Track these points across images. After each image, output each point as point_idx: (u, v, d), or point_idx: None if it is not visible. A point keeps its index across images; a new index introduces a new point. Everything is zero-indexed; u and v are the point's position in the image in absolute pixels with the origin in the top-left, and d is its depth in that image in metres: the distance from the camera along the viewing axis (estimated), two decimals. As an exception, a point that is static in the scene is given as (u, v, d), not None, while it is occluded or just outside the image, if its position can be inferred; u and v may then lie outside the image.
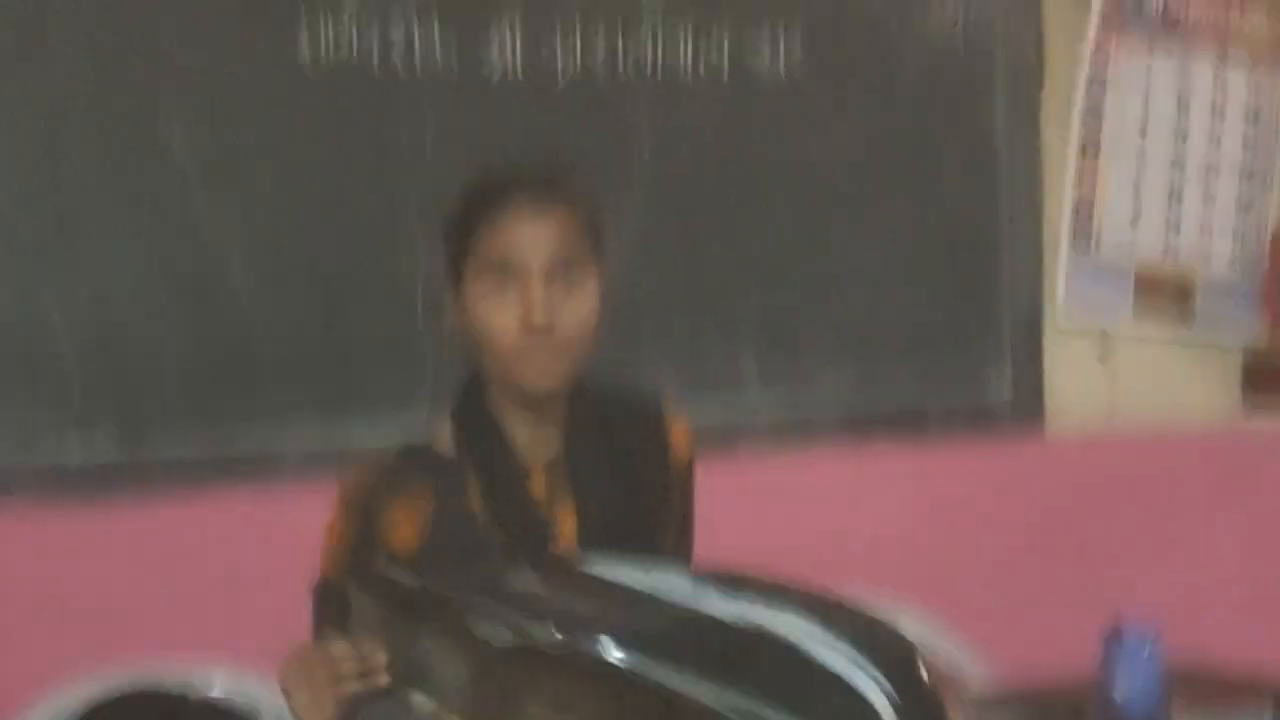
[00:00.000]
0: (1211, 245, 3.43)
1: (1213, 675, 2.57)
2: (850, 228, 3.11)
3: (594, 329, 1.73)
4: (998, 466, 3.22)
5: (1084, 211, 3.32)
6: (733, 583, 1.45)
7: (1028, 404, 3.26)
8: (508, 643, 1.39)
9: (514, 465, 1.73)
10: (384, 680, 1.57)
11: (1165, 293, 3.40)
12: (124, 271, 2.61)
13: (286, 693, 1.63)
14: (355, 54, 2.74)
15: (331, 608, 1.70)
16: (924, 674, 1.36)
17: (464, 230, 1.72)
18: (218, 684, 2.62)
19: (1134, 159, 3.36)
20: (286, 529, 2.71)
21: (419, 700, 1.53)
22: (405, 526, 1.70)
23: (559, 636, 1.35)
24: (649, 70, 2.93)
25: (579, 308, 1.71)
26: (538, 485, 1.75)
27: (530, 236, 1.69)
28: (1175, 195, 3.40)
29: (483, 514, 1.71)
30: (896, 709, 1.33)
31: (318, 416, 2.73)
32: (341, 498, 1.74)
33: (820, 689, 1.32)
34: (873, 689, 1.33)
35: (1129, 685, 2.49)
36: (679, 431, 1.85)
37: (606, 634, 1.33)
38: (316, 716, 1.59)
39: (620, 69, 2.92)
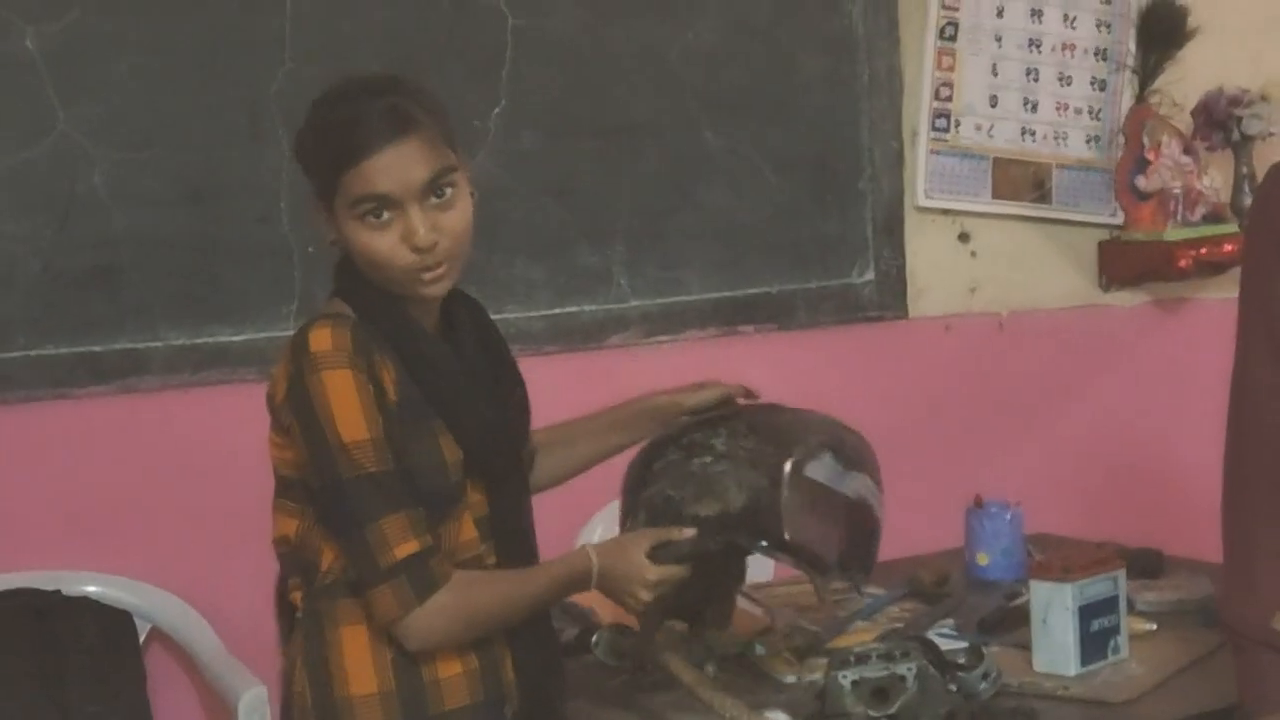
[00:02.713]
0: (1068, 124, 3.49)
1: (1069, 543, 2.65)
2: (712, 121, 3.13)
3: (472, 227, 1.82)
4: (861, 348, 3.28)
5: (943, 95, 3.36)
6: (842, 456, 2.07)
7: (890, 286, 3.31)
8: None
9: (433, 340, 1.82)
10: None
11: (1023, 172, 3.46)
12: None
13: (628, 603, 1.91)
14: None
15: (395, 481, 1.75)
16: None
17: (329, 170, 1.76)
18: (91, 585, 2.62)
19: (991, 40, 3.40)
20: (155, 432, 2.72)
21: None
22: (389, 385, 1.76)
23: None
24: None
25: (456, 215, 1.79)
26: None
27: (398, 170, 1.75)
28: (1032, 75, 3.45)
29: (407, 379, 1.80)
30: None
31: (184, 320, 2.72)
32: (334, 363, 1.73)
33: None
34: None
35: (992, 550, 2.57)
36: None
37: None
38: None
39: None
